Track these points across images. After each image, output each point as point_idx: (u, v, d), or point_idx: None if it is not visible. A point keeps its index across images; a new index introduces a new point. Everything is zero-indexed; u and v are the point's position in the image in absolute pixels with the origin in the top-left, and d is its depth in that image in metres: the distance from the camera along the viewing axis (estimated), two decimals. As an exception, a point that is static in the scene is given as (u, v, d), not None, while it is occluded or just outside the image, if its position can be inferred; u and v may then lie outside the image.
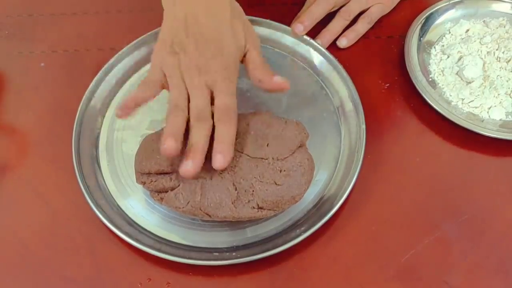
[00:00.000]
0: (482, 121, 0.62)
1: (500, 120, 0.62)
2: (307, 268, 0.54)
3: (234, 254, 0.54)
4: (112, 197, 0.58)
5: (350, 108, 0.62)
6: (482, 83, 0.63)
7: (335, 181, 0.58)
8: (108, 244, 0.55)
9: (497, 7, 0.70)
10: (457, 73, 0.65)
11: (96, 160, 0.60)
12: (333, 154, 0.60)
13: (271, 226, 0.56)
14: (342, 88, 0.64)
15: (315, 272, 0.54)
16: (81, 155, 0.60)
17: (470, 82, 0.64)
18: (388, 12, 0.71)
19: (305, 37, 0.66)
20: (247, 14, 0.68)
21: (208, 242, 0.55)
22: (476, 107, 0.63)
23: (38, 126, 0.64)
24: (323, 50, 0.65)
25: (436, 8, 0.69)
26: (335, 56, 0.65)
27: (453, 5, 0.70)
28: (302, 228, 0.54)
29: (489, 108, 0.63)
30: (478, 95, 0.63)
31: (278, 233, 0.56)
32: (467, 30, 0.68)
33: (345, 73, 0.63)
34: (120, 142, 0.61)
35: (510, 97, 0.63)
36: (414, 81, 0.63)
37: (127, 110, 0.51)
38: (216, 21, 0.54)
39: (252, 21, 0.68)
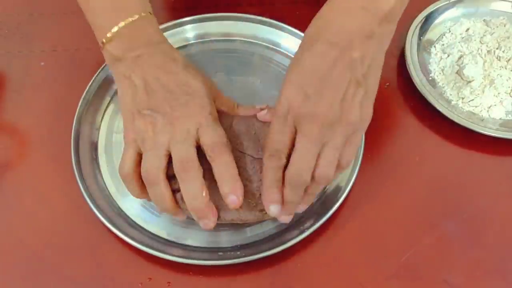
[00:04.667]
0: (482, 120, 0.62)
1: (500, 119, 0.62)
2: (307, 267, 0.54)
3: (233, 253, 0.54)
4: (112, 197, 0.58)
5: None
6: (482, 82, 0.63)
7: (334, 181, 0.58)
8: (108, 243, 0.55)
9: (497, 6, 0.70)
10: (457, 72, 0.65)
11: (95, 159, 0.60)
12: None
13: (271, 225, 0.56)
14: None
15: (315, 271, 0.54)
16: (81, 154, 0.59)
17: (470, 81, 0.63)
18: None
19: None
20: (247, 14, 0.69)
21: (208, 241, 0.55)
22: (476, 106, 0.63)
23: (38, 125, 0.63)
24: None
25: (436, 7, 0.69)
26: None
27: (453, 4, 0.70)
28: (302, 227, 0.54)
29: (489, 107, 0.63)
30: (478, 94, 0.63)
31: (278, 232, 0.56)
32: (467, 29, 0.68)
33: None
34: (119, 142, 0.61)
35: (510, 96, 0.63)
36: (414, 80, 0.63)
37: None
38: (173, 73, 0.53)
39: (252, 21, 0.69)
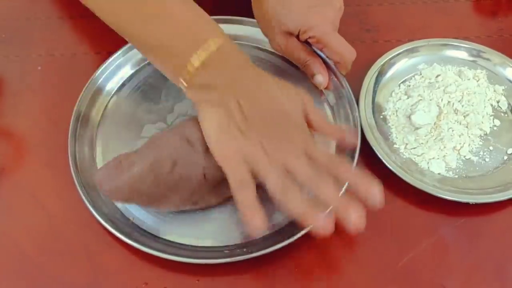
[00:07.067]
0: (421, 172, 0.59)
1: (439, 174, 0.59)
2: (304, 273, 0.54)
3: (230, 252, 0.53)
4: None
5: (345, 106, 0.62)
6: (430, 132, 0.60)
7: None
8: (106, 248, 0.55)
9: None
10: (408, 116, 0.62)
11: (93, 163, 0.60)
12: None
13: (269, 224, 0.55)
14: (337, 86, 0.64)
15: (312, 277, 0.54)
16: (78, 158, 0.59)
17: (417, 128, 0.61)
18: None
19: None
20: (248, 15, 0.68)
21: (207, 242, 0.55)
22: (417, 155, 0.60)
23: (35, 129, 0.63)
24: (318, 51, 0.65)
25: (414, 45, 0.67)
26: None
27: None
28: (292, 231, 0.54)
29: (430, 159, 0.59)
30: (422, 143, 0.60)
31: (275, 231, 0.55)
32: (438, 75, 0.65)
33: (339, 73, 0.64)
34: (116, 147, 0.61)
35: (459, 153, 0.60)
36: (360, 114, 0.61)
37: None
38: (266, 91, 0.52)
39: (251, 23, 0.69)
